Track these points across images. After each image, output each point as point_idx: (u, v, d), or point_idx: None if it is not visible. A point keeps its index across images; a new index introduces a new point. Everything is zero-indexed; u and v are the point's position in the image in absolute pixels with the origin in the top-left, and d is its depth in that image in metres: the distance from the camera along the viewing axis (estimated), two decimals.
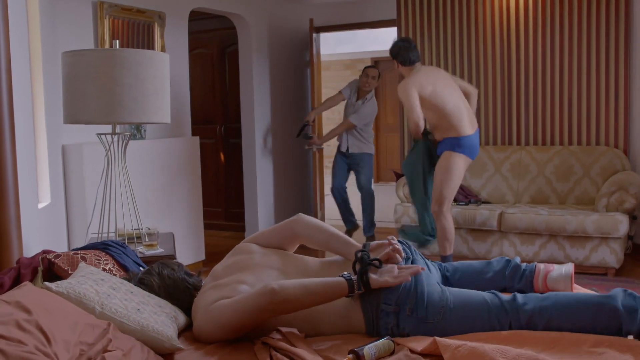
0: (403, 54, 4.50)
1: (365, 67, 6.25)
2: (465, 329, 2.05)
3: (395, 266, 2.15)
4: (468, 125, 4.50)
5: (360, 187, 6.35)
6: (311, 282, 2.09)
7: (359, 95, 6.24)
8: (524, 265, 2.41)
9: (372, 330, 2.13)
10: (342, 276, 2.12)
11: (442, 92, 4.45)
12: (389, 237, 2.28)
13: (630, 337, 1.96)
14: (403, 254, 2.25)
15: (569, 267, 2.35)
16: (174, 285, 2.30)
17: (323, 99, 7.27)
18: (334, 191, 6.32)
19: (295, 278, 2.26)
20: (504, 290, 2.34)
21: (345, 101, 6.33)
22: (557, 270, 2.35)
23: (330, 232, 2.39)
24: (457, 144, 4.48)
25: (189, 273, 2.39)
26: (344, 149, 6.32)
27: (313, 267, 2.33)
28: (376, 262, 2.15)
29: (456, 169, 4.50)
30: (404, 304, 2.09)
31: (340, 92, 6.34)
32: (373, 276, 2.11)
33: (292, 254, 2.42)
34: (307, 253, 2.84)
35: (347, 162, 6.34)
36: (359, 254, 2.16)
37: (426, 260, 2.35)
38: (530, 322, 2.02)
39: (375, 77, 6.16)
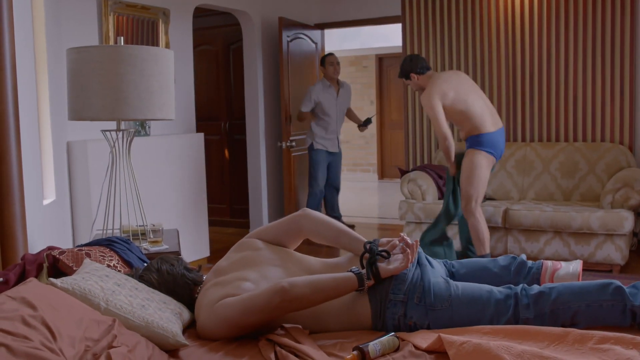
0: (416, 63, 4.60)
1: (326, 57, 6.23)
2: (473, 315, 2.07)
3: (401, 255, 2.17)
4: (489, 123, 4.53)
5: (338, 183, 6.49)
6: (321, 278, 2.09)
7: (334, 88, 6.24)
8: (530, 262, 2.42)
9: (378, 322, 2.14)
10: (350, 271, 2.13)
11: (465, 96, 4.51)
12: (401, 234, 2.28)
13: (634, 334, 1.98)
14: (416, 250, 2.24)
15: (576, 265, 2.36)
16: (173, 281, 2.30)
17: None
18: (319, 192, 6.22)
19: (300, 276, 2.26)
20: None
21: (319, 104, 6.16)
22: (564, 268, 2.36)
23: (338, 227, 2.39)
24: (478, 141, 4.52)
25: (189, 268, 2.38)
26: (336, 150, 6.29)
27: (316, 267, 2.33)
28: (384, 254, 2.17)
29: (478, 166, 4.51)
30: (412, 293, 2.12)
31: (302, 111, 6.18)
32: (382, 265, 2.14)
33: (295, 253, 2.42)
34: (312, 249, 2.85)
35: (330, 161, 6.32)
36: (368, 245, 2.18)
37: (428, 257, 2.36)
38: (537, 302, 2.05)
39: (339, 62, 6.27)
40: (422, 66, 4.60)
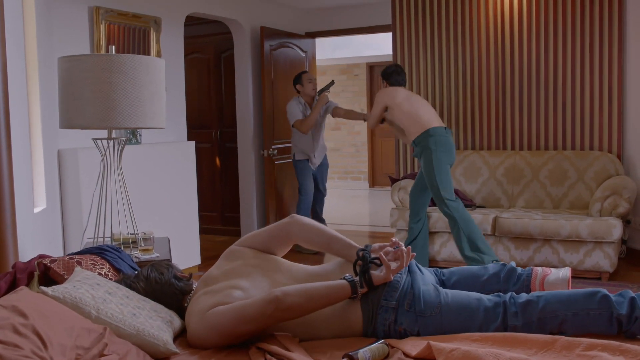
0: (393, 76, 5.10)
1: (302, 74, 6.11)
2: (462, 322, 2.09)
3: (393, 262, 2.18)
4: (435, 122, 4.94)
5: (324, 190, 6.51)
6: (314, 286, 2.10)
7: (308, 105, 6.13)
8: (519, 269, 2.43)
9: (369, 328, 2.15)
10: (344, 278, 2.14)
11: (416, 104, 4.98)
12: (393, 239, 2.29)
13: (623, 340, 2.01)
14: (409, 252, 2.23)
15: (566, 271, 2.38)
16: (160, 290, 2.29)
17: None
18: (308, 199, 6.20)
19: (291, 284, 2.26)
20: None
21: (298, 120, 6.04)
22: (554, 274, 2.38)
23: (329, 234, 2.38)
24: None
25: (178, 276, 2.37)
26: (318, 163, 6.26)
27: (305, 277, 2.32)
28: (377, 261, 2.19)
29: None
30: (403, 300, 2.14)
31: (298, 121, 6.00)
32: (375, 273, 2.15)
33: (285, 262, 2.41)
34: (302, 257, 2.85)
35: (313, 171, 6.33)
36: (361, 253, 2.19)
37: (418, 264, 2.38)
38: (525, 310, 2.07)
39: (315, 78, 6.30)
40: (396, 80, 5.10)
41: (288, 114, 6.09)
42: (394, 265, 2.17)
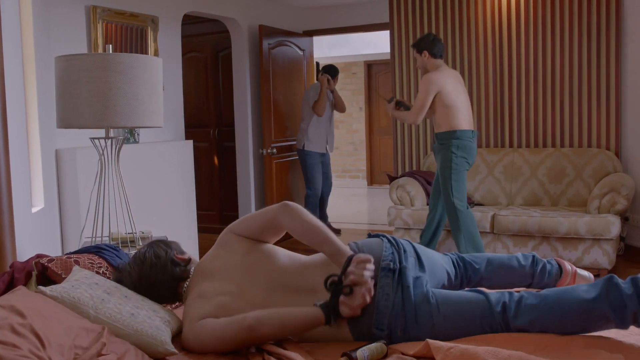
0: (435, 45, 4.76)
1: (337, 69, 6.57)
2: (459, 336, 2.06)
3: (363, 288, 2.05)
4: (467, 123, 4.75)
5: (330, 181, 6.64)
6: (289, 316, 2.06)
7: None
8: (545, 261, 2.51)
9: None
10: (317, 305, 2.07)
11: (459, 97, 4.74)
12: (359, 255, 2.13)
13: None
14: (369, 285, 2.07)
15: (590, 274, 2.53)
16: (154, 276, 2.29)
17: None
18: (316, 195, 6.29)
19: (278, 282, 2.21)
20: (529, 286, 2.48)
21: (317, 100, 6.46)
22: (579, 270, 2.52)
23: (322, 234, 2.22)
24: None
25: (176, 261, 2.34)
26: (324, 151, 6.55)
27: (298, 267, 2.26)
28: (347, 290, 2.05)
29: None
30: (396, 324, 2.07)
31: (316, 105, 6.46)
32: (343, 308, 2.05)
33: (279, 255, 2.32)
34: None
35: (322, 161, 6.52)
36: (330, 281, 2.08)
37: (420, 257, 2.25)
38: (522, 329, 2.03)
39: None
40: (438, 51, 4.77)
41: (304, 98, 6.52)
42: (358, 300, 2.03)
